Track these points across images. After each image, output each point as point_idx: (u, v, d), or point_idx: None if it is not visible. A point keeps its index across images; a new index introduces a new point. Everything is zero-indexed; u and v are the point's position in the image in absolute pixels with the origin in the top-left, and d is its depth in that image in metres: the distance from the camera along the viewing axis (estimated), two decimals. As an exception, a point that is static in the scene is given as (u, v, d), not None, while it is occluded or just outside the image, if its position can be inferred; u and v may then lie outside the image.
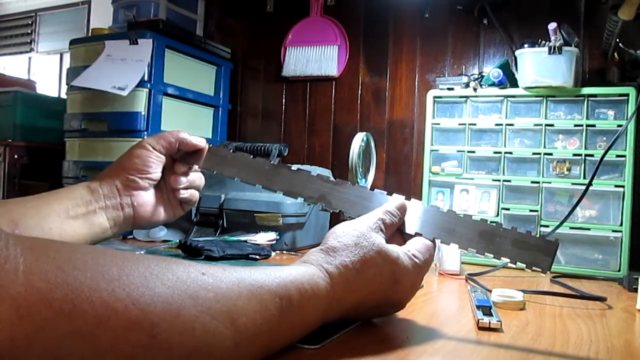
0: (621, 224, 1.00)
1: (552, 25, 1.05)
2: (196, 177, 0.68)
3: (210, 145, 0.67)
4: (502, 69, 1.14)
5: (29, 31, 2.68)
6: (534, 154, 1.08)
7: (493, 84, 1.14)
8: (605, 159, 0.94)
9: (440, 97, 1.18)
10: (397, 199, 0.56)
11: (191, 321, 0.32)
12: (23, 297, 0.26)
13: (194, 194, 0.68)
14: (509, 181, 1.10)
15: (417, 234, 0.55)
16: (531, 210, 1.07)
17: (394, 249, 0.49)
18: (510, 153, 1.10)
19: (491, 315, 0.56)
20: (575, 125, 1.06)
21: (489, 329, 0.54)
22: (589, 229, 1.02)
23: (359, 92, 1.53)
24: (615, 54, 1.14)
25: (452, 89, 1.17)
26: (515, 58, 1.16)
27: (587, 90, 1.05)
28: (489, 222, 0.53)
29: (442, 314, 0.63)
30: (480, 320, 0.54)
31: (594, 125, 1.04)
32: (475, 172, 1.13)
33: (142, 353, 0.30)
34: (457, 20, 1.40)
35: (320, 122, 1.58)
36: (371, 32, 1.52)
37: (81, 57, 1.42)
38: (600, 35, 1.16)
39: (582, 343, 0.51)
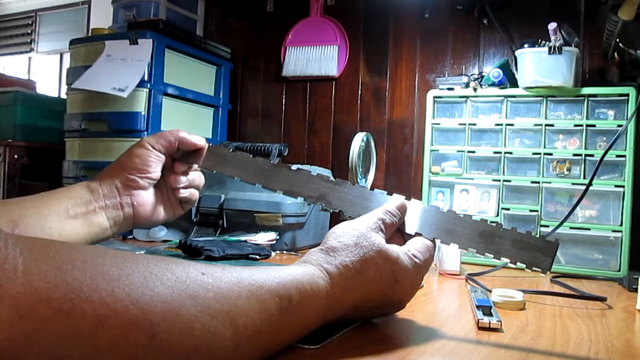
0: (621, 224, 1.00)
1: (552, 25, 1.05)
2: (196, 176, 0.68)
3: (210, 145, 0.67)
4: (502, 69, 1.14)
5: (29, 31, 2.68)
6: (534, 154, 1.08)
7: (493, 84, 1.14)
8: (605, 159, 0.94)
9: (440, 97, 1.18)
10: (397, 198, 0.56)
11: (191, 321, 0.32)
12: (23, 297, 0.26)
13: (194, 193, 0.68)
14: (509, 181, 1.10)
15: (417, 234, 0.55)
16: (531, 210, 1.07)
17: (394, 249, 0.49)
18: (510, 153, 1.10)
19: (491, 315, 0.56)
20: (575, 125, 1.06)
21: (489, 329, 0.54)
22: (589, 229, 1.02)
23: (359, 92, 1.53)
24: (615, 54, 1.14)
25: (452, 89, 1.17)
26: (515, 58, 1.16)
27: (587, 90, 1.05)
28: (489, 222, 0.53)
29: (442, 314, 0.63)
30: (480, 320, 0.54)
31: (594, 125, 1.04)
32: (475, 172, 1.13)
33: (142, 353, 0.30)
34: (457, 20, 1.39)
35: (320, 122, 1.58)
36: (371, 32, 1.52)
37: (81, 57, 1.42)
38: (600, 35, 1.16)
39: (582, 343, 0.51)
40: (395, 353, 0.44)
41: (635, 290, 0.75)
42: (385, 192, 0.58)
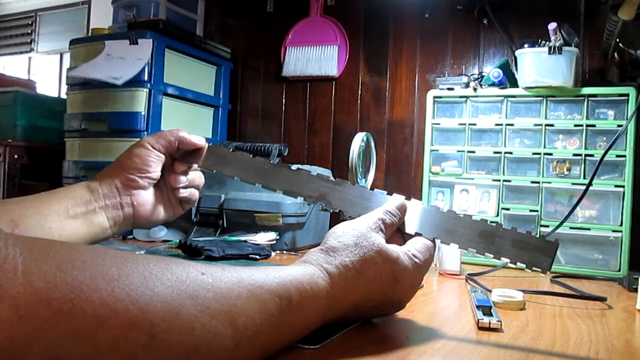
0: (621, 224, 1.00)
1: (552, 25, 1.05)
2: (196, 176, 0.68)
3: (210, 145, 0.67)
4: (502, 69, 1.14)
5: (29, 31, 2.68)
6: (534, 154, 1.08)
7: (493, 84, 1.14)
8: (605, 159, 0.94)
9: (440, 97, 1.18)
10: (397, 198, 0.56)
11: (191, 321, 0.32)
12: (22, 297, 0.26)
13: (194, 193, 0.68)
14: (509, 181, 1.10)
15: (417, 234, 0.55)
16: (531, 210, 1.07)
17: (394, 248, 0.49)
18: (510, 153, 1.10)
19: (491, 315, 0.56)
20: (575, 125, 1.06)
21: (489, 329, 0.54)
22: (589, 229, 1.02)
23: (359, 92, 1.53)
24: (615, 54, 1.14)
25: (452, 89, 1.17)
26: (515, 58, 1.16)
27: (587, 90, 1.05)
28: (489, 222, 0.53)
29: (442, 314, 0.63)
30: (480, 320, 0.54)
31: (594, 125, 1.04)
32: (475, 172, 1.13)
33: (142, 353, 0.30)
34: (457, 20, 1.39)
35: (320, 122, 1.58)
36: (371, 32, 1.52)
37: (81, 57, 1.42)
38: (600, 35, 1.16)
39: (582, 343, 0.51)
40: (395, 353, 0.44)
41: (635, 290, 0.75)
42: (385, 192, 0.58)
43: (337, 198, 0.59)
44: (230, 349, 0.35)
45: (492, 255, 0.52)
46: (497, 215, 1.10)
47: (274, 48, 1.63)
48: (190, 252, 0.92)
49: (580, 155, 1.04)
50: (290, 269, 0.43)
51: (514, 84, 1.15)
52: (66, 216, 0.57)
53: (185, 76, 1.49)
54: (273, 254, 1.01)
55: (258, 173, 0.64)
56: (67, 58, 2.38)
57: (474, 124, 1.14)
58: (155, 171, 0.63)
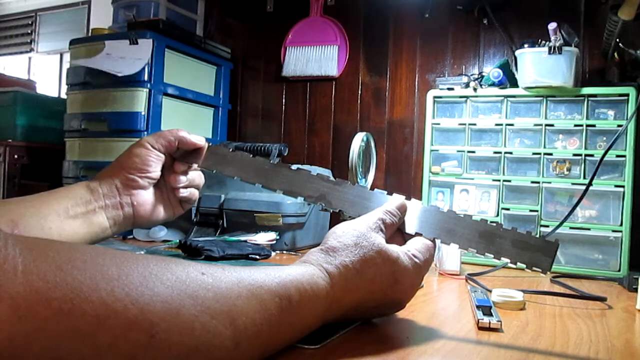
0: (621, 224, 1.00)
1: (552, 25, 1.05)
2: (196, 175, 0.68)
3: (210, 144, 0.67)
4: (502, 69, 1.14)
5: (29, 31, 2.67)
6: (534, 154, 1.08)
7: (493, 84, 1.14)
8: (605, 159, 0.94)
9: (440, 97, 1.18)
10: (397, 198, 0.56)
11: (190, 321, 0.32)
12: (22, 297, 0.26)
13: (194, 193, 0.68)
14: (509, 181, 1.10)
15: (417, 234, 0.55)
16: (531, 210, 1.07)
17: (394, 249, 0.49)
18: (510, 153, 1.10)
19: (491, 315, 0.56)
20: (575, 125, 1.06)
21: (489, 329, 0.54)
22: (589, 229, 1.02)
23: (359, 92, 1.52)
24: (615, 54, 1.14)
25: (452, 89, 1.17)
26: (515, 58, 1.16)
27: (587, 90, 1.05)
28: (489, 222, 0.53)
29: (442, 314, 0.63)
30: (480, 320, 0.54)
31: (594, 125, 1.04)
32: (475, 172, 1.13)
33: (142, 353, 0.30)
34: (457, 20, 1.39)
35: (320, 122, 1.57)
36: (371, 32, 1.52)
37: (81, 57, 1.42)
38: (600, 35, 1.16)
39: (582, 343, 0.51)
40: (395, 353, 0.44)
41: (635, 290, 0.75)
42: (385, 192, 0.58)
43: (337, 198, 0.59)
44: (230, 349, 0.35)
45: (492, 255, 0.52)
46: (497, 215, 1.09)
47: (274, 48, 1.63)
48: (190, 252, 0.92)
49: (580, 155, 1.04)
50: (290, 269, 0.43)
51: (514, 84, 1.15)
52: (66, 216, 0.57)
53: (185, 76, 1.49)
54: (273, 254, 1.01)
55: (258, 173, 0.64)
56: (67, 58, 2.38)
57: (474, 124, 1.14)
58: (155, 171, 0.63)
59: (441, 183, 1.16)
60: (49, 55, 2.65)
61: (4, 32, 2.77)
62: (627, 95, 1.01)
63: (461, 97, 1.15)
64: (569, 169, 1.06)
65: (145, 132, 1.33)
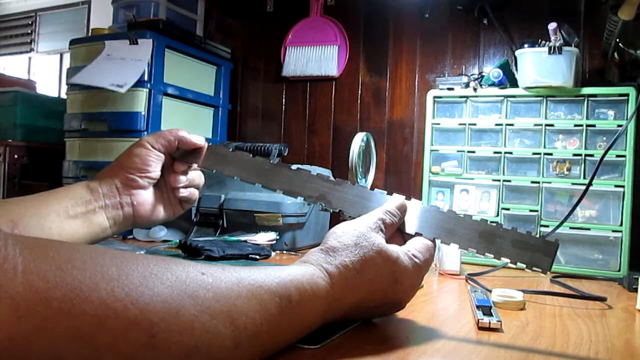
0: (621, 224, 1.00)
1: (552, 25, 1.05)
2: (196, 175, 0.68)
3: (210, 144, 0.67)
4: (502, 69, 1.14)
5: (29, 31, 2.67)
6: (534, 154, 1.08)
7: (493, 84, 1.14)
8: (605, 159, 0.94)
9: (440, 97, 1.18)
10: (397, 198, 0.56)
11: (190, 321, 0.32)
12: (22, 297, 0.26)
13: (194, 193, 0.68)
14: (509, 181, 1.10)
15: (417, 234, 0.55)
16: (531, 210, 1.07)
17: (394, 249, 0.49)
18: (510, 153, 1.10)
19: (491, 315, 0.56)
20: (575, 125, 1.06)
21: (489, 329, 0.54)
22: (589, 229, 1.02)
23: (359, 92, 1.52)
24: (615, 54, 1.14)
25: (452, 89, 1.17)
26: (515, 58, 1.16)
27: (587, 90, 1.05)
28: (489, 222, 0.53)
29: (442, 314, 0.63)
30: (480, 320, 0.54)
31: (594, 125, 1.04)
32: (475, 172, 1.13)
33: (141, 352, 0.30)
34: (457, 20, 1.39)
35: (320, 122, 1.57)
36: (371, 32, 1.52)
37: (81, 57, 1.42)
38: (600, 35, 1.16)
39: (582, 343, 0.51)
40: (395, 353, 0.44)
41: (635, 290, 0.75)
42: (385, 192, 0.58)
43: (337, 198, 0.59)
44: (230, 348, 0.35)
45: (492, 255, 0.52)
46: (497, 215, 1.09)
47: (274, 48, 1.63)
48: (190, 252, 0.92)
49: (580, 155, 1.04)
50: (290, 269, 0.43)
51: (514, 84, 1.15)
52: (66, 216, 0.57)
53: (185, 76, 1.49)
54: (273, 254, 1.01)
55: (258, 173, 0.64)
56: (67, 58, 2.38)
57: (474, 124, 1.14)
58: (155, 171, 0.63)
59: (441, 183, 1.16)
60: (49, 55, 2.65)
61: (4, 32, 2.77)
62: (627, 95, 1.01)
63: (461, 97, 1.15)
64: (569, 169, 1.06)
65: (145, 132, 1.33)
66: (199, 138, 0.65)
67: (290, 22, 1.59)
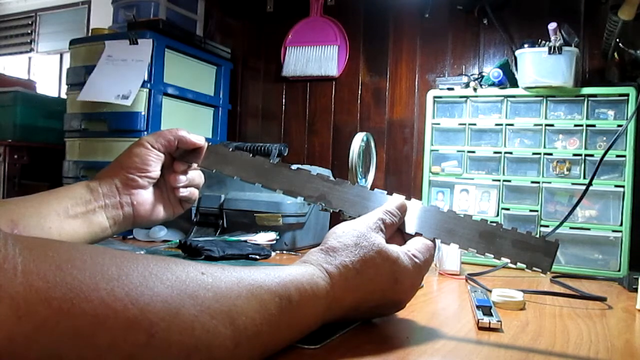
0: (621, 224, 1.00)
1: (552, 25, 1.05)
2: (195, 175, 0.68)
3: (210, 144, 0.67)
4: (502, 69, 1.14)
5: (29, 31, 2.67)
6: (534, 154, 1.08)
7: (493, 84, 1.14)
8: (605, 159, 0.94)
9: (440, 97, 1.18)
10: (397, 198, 0.56)
11: (190, 320, 0.32)
12: (22, 297, 0.26)
13: (194, 192, 0.68)
14: (509, 181, 1.10)
15: (417, 234, 0.55)
16: (531, 210, 1.07)
17: (394, 249, 0.49)
18: (510, 153, 1.10)
19: (491, 315, 0.56)
20: (575, 125, 1.06)
21: (489, 329, 0.54)
22: (589, 229, 1.02)
23: (359, 92, 1.52)
24: (615, 54, 1.14)
25: (452, 89, 1.17)
26: (515, 58, 1.16)
27: (587, 90, 1.05)
28: (489, 222, 0.53)
29: (442, 314, 0.63)
30: (480, 320, 0.54)
31: (594, 125, 1.04)
32: (475, 172, 1.13)
33: (141, 352, 0.30)
34: (457, 20, 1.39)
35: (320, 122, 1.57)
36: (371, 32, 1.52)
37: (81, 57, 1.42)
38: (600, 35, 1.16)
39: (582, 343, 0.51)
40: (395, 353, 0.44)
41: (635, 290, 0.75)
42: (385, 192, 0.58)
43: (337, 198, 0.59)
44: (230, 348, 0.35)
45: (492, 256, 0.52)
46: (497, 215, 1.09)
47: (274, 48, 1.63)
48: (190, 252, 0.92)
49: (580, 155, 1.04)
50: (290, 269, 0.43)
51: (514, 84, 1.15)
52: (66, 216, 0.57)
53: (185, 76, 1.49)
54: (273, 254, 1.01)
55: (258, 173, 0.64)
56: (67, 58, 2.38)
57: (474, 124, 1.14)
58: (155, 170, 0.63)
59: (441, 183, 1.16)
60: (49, 55, 2.65)
61: (4, 32, 2.77)
62: (627, 95, 1.01)
63: (461, 97, 1.15)
64: (569, 169, 1.06)
65: (145, 132, 1.33)
66: (198, 138, 0.65)
67: (290, 22, 1.59)
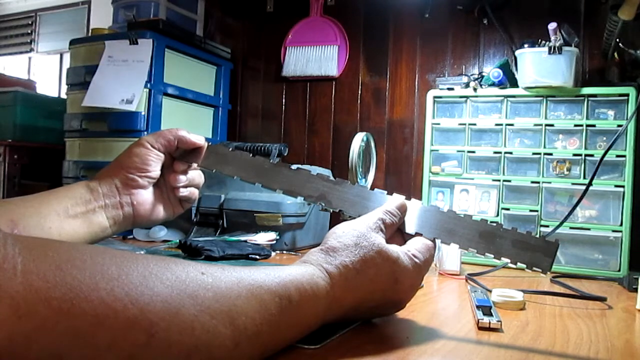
0: (621, 224, 1.00)
1: (552, 25, 1.05)
2: (195, 175, 0.68)
3: (210, 144, 0.67)
4: (502, 69, 1.14)
5: (29, 31, 2.67)
6: (534, 154, 1.08)
7: (493, 84, 1.14)
8: (605, 159, 0.94)
9: (440, 97, 1.18)
10: (397, 198, 0.56)
11: (190, 320, 0.32)
12: (22, 297, 0.26)
13: (194, 192, 0.68)
14: (509, 181, 1.10)
15: (417, 234, 0.54)
16: (531, 210, 1.07)
17: (394, 249, 0.49)
18: (510, 153, 1.10)
19: (491, 315, 0.56)
20: (575, 125, 1.06)
21: (489, 329, 0.54)
22: (589, 229, 1.02)
23: (359, 92, 1.52)
24: (615, 54, 1.14)
25: (452, 89, 1.17)
26: (515, 58, 1.16)
27: (587, 90, 1.05)
28: (489, 222, 0.53)
29: (442, 314, 0.63)
30: (480, 320, 0.54)
31: (594, 125, 1.04)
32: (475, 172, 1.13)
33: (141, 352, 0.30)
34: (457, 20, 1.39)
35: (320, 122, 1.57)
36: (371, 32, 1.52)
37: (81, 57, 1.42)
38: (600, 35, 1.16)
39: (582, 343, 0.51)
40: (395, 353, 0.44)
41: (635, 290, 0.75)
42: (385, 192, 0.58)
43: (337, 198, 0.59)
44: (230, 348, 0.35)
45: (492, 255, 0.52)
46: (497, 215, 1.09)
47: (274, 48, 1.63)
48: (190, 252, 0.92)
49: (580, 155, 1.04)
50: (290, 269, 0.43)
51: (514, 84, 1.15)
52: (66, 216, 0.57)
53: (185, 76, 1.49)
54: (273, 254, 1.01)
55: (258, 172, 0.64)
56: (67, 58, 2.38)
57: (474, 124, 1.14)
58: (155, 170, 0.63)
59: (441, 183, 1.16)
60: (49, 55, 2.65)
61: (4, 32, 2.77)
62: (627, 95, 1.01)
63: (461, 97, 1.15)
64: (569, 169, 1.06)
65: (145, 132, 1.33)
66: (198, 137, 0.65)
67: (290, 22, 1.59)
